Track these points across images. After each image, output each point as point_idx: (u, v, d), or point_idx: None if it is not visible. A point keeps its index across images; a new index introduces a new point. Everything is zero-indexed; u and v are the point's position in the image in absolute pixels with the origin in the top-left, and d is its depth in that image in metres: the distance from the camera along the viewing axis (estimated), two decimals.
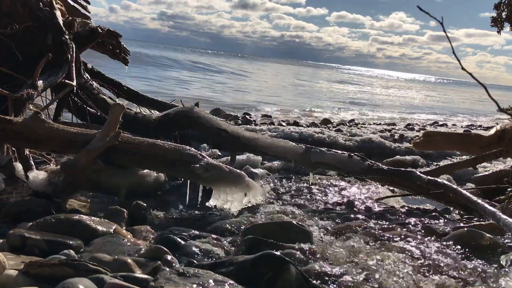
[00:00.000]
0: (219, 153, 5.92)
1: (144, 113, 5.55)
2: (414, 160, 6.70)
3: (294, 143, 4.50)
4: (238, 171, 3.49)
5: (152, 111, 5.81)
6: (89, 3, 5.65)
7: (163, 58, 38.87)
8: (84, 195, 3.71)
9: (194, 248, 2.60)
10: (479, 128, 13.12)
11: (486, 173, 5.36)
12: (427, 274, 2.45)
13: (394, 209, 4.15)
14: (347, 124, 11.53)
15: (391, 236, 3.08)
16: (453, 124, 14.96)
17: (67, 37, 4.78)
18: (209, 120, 4.75)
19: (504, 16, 6.38)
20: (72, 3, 5.46)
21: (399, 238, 3.04)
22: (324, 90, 30.09)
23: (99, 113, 5.17)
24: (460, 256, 2.75)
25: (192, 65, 38.00)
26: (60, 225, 2.64)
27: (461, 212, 4.05)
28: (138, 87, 6.61)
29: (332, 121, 12.00)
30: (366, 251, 2.73)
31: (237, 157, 5.20)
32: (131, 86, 6.07)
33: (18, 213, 3.02)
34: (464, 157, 5.89)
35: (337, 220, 3.54)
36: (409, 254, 2.73)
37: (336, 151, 4.41)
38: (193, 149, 3.58)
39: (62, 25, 4.84)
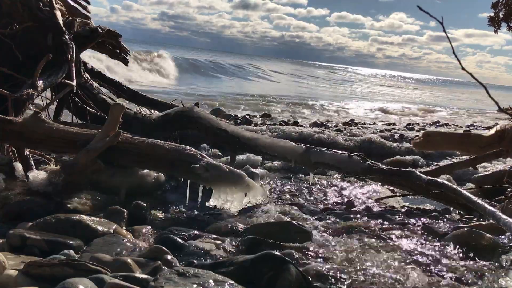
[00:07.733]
0: (219, 153, 5.92)
1: (144, 113, 5.54)
2: (414, 160, 6.69)
3: (294, 143, 4.49)
4: (238, 171, 3.49)
5: (152, 111, 5.81)
6: (89, 3, 5.64)
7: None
8: (84, 195, 3.70)
9: (194, 248, 2.60)
10: (479, 128, 13.10)
11: (486, 173, 5.35)
12: (427, 274, 2.45)
13: (394, 209, 4.14)
14: (347, 124, 11.52)
15: (391, 236, 3.08)
16: (455, 124, 14.95)
17: (67, 37, 4.78)
18: (209, 120, 4.74)
19: (501, 16, 6.33)
20: (72, 3, 5.45)
21: (399, 238, 3.04)
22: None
23: (99, 113, 5.16)
24: (460, 256, 2.75)
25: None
26: (60, 225, 2.65)
27: (461, 212, 4.05)
28: None
29: (332, 120, 12.01)
30: (366, 251, 2.73)
31: (237, 157, 5.19)
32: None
33: (18, 213, 3.02)
34: (464, 157, 5.88)
35: (337, 220, 3.54)
36: (409, 254, 2.73)
37: (336, 151, 4.40)
38: (193, 149, 3.57)
39: (62, 25, 4.84)
